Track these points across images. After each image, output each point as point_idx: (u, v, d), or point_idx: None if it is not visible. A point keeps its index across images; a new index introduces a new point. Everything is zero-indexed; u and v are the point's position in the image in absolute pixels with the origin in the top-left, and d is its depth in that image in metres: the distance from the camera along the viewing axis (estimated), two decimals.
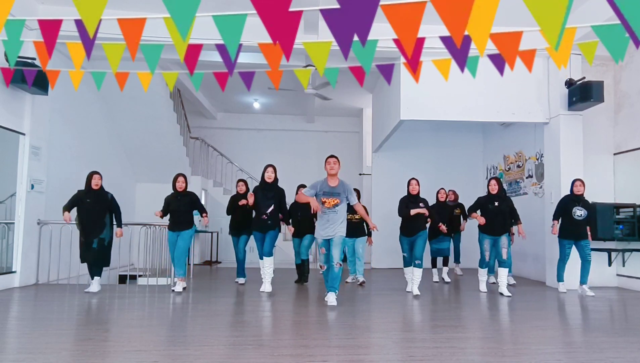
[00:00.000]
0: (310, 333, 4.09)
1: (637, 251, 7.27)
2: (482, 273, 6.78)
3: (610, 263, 7.57)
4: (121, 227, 6.39)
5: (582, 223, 6.57)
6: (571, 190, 6.69)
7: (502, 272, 6.50)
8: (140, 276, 8.56)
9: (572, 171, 7.33)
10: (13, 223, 6.84)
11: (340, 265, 5.39)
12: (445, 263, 8.05)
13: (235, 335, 4.01)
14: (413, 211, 6.18)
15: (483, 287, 6.74)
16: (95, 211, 6.16)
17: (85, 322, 4.52)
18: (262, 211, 6.24)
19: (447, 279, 7.89)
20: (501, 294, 6.40)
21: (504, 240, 6.50)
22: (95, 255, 6.20)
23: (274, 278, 6.66)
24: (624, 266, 7.54)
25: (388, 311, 5.26)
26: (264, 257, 6.37)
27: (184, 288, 6.50)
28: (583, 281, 6.62)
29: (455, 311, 5.32)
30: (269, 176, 6.26)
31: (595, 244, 7.41)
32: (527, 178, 9.10)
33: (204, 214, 6.59)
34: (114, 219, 6.38)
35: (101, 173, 6.41)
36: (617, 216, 7.36)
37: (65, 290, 6.56)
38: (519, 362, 3.27)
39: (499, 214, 6.47)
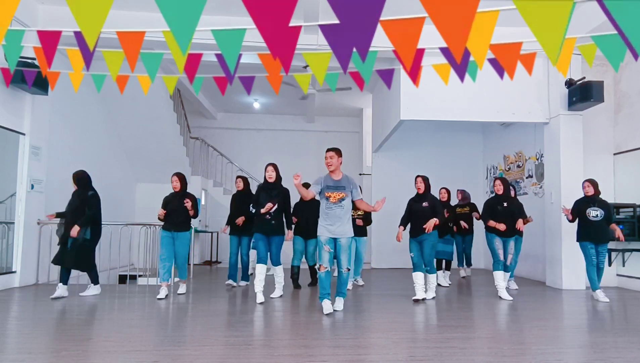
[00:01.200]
0: (310, 333, 4.09)
1: (637, 251, 7.28)
2: (500, 277, 6.20)
3: (610, 263, 7.57)
4: (80, 227, 5.72)
5: (600, 224, 6.16)
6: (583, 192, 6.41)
7: (500, 275, 6.23)
8: (140, 276, 8.56)
9: (572, 171, 7.33)
10: (13, 223, 6.84)
11: (349, 269, 5.16)
12: (447, 267, 7.79)
13: (235, 335, 4.01)
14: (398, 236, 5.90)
15: (505, 295, 6.12)
16: (71, 209, 5.83)
17: (85, 322, 4.52)
18: (266, 212, 5.91)
19: (444, 283, 7.41)
20: (500, 297, 6.16)
21: (512, 244, 6.31)
22: (70, 256, 5.77)
23: (269, 277, 6.62)
24: (624, 266, 7.54)
25: (388, 311, 5.26)
26: (275, 267, 6.07)
27: (167, 296, 6.02)
28: (595, 287, 6.22)
29: (455, 311, 5.31)
30: (270, 176, 6.01)
31: None
32: (527, 178, 9.11)
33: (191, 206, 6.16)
34: (96, 220, 5.98)
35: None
36: (617, 216, 7.36)
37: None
38: (519, 362, 3.27)
39: (508, 215, 6.22)
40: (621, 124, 7.81)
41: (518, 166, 9.47)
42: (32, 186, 6.97)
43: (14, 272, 6.76)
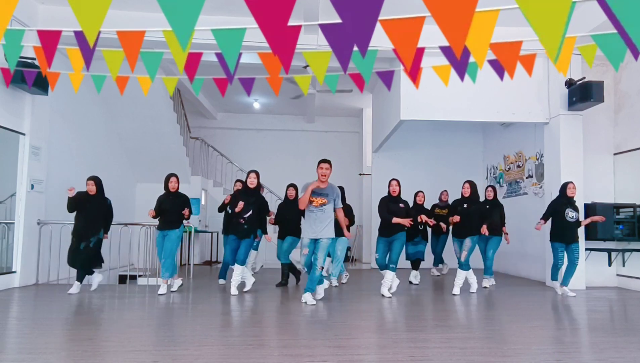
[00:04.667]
0: (310, 333, 4.09)
1: (637, 251, 7.27)
2: (459, 276, 6.60)
3: (610, 263, 7.57)
4: (107, 232, 6.47)
5: (574, 225, 6.45)
6: (563, 193, 6.56)
7: (459, 273, 6.56)
8: (140, 276, 8.56)
9: (572, 171, 7.33)
10: (13, 223, 6.84)
11: (322, 268, 5.58)
12: (416, 266, 7.77)
13: (235, 335, 4.01)
14: (395, 220, 6.11)
15: (457, 290, 6.50)
16: (92, 217, 6.17)
17: (86, 322, 4.53)
18: (240, 215, 6.25)
19: (415, 281, 7.58)
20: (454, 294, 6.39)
21: (467, 242, 6.50)
22: (83, 257, 6.12)
23: (270, 277, 6.66)
24: (624, 266, 7.54)
25: (388, 311, 5.26)
26: (240, 266, 6.28)
27: (181, 285, 6.64)
28: (565, 283, 6.53)
29: (455, 311, 5.32)
30: (252, 182, 6.31)
31: (595, 244, 7.42)
32: (527, 178, 9.10)
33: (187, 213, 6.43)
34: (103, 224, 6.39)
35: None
36: (617, 216, 7.36)
37: (65, 290, 6.55)
38: (519, 362, 3.27)
39: (466, 216, 6.53)
40: (621, 124, 7.81)
41: (518, 166, 9.47)
42: (32, 186, 6.97)
43: (14, 272, 6.76)
